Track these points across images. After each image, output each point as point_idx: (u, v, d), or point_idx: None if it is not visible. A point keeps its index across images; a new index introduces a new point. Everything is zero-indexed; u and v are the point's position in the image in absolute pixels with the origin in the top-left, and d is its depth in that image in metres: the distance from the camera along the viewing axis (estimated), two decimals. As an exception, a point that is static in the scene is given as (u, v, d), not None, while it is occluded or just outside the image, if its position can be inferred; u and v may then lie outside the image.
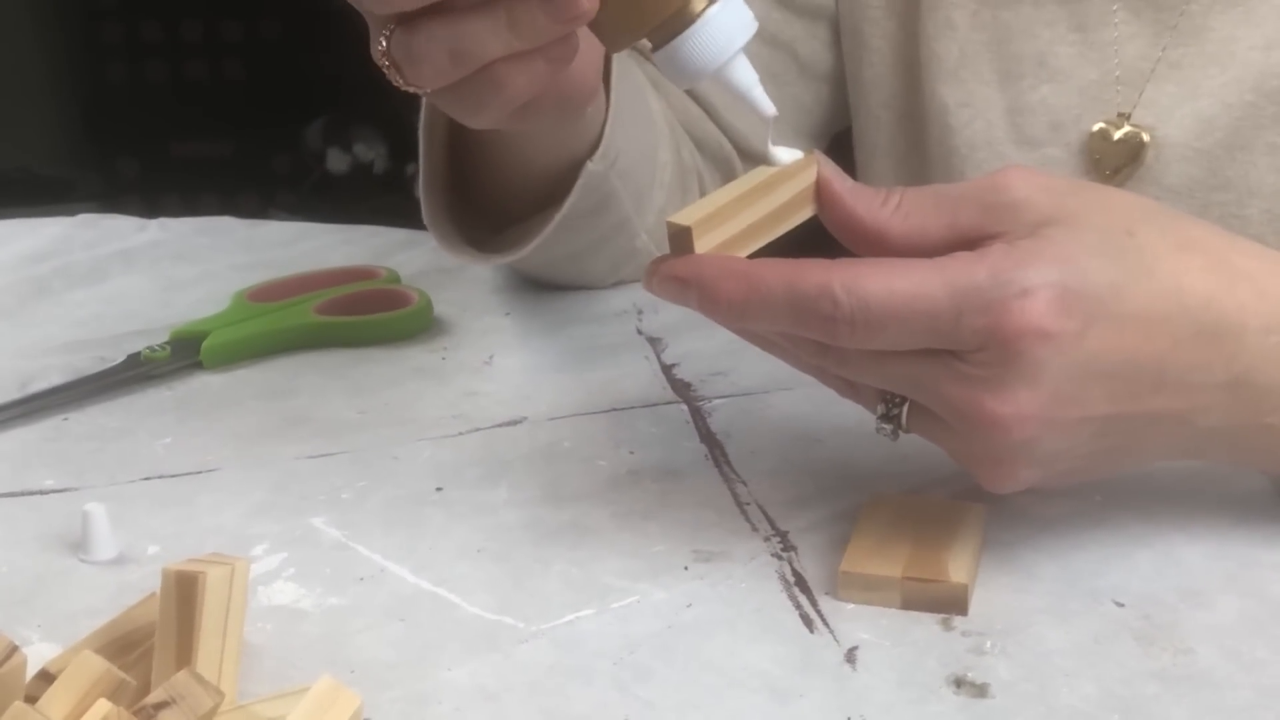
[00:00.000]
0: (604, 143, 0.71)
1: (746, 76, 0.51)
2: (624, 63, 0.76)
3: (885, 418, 0.53)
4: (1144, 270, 0.50)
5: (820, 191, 0.52)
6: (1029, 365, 0.48)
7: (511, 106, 0.54)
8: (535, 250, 0.71)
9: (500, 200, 0.73)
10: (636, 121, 0.77)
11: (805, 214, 0.52)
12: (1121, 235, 0.51)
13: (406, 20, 0.51)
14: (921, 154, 0.80)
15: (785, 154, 0.52)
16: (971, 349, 0.49)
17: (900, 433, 0.53)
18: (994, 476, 0.52)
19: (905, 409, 0.52)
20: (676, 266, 0.50)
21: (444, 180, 0.72)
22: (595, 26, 0.50)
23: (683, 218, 0.50)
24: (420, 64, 0.51)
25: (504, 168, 0.72)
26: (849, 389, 0.54)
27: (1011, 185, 0.51)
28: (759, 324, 0.51)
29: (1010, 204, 0.50)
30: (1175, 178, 0.73)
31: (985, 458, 0.51)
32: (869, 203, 0.51)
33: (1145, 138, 0.73)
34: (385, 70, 0.53)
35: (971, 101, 0.77)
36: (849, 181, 0.52)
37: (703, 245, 0.50)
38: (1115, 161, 0.73)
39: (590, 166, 0.70)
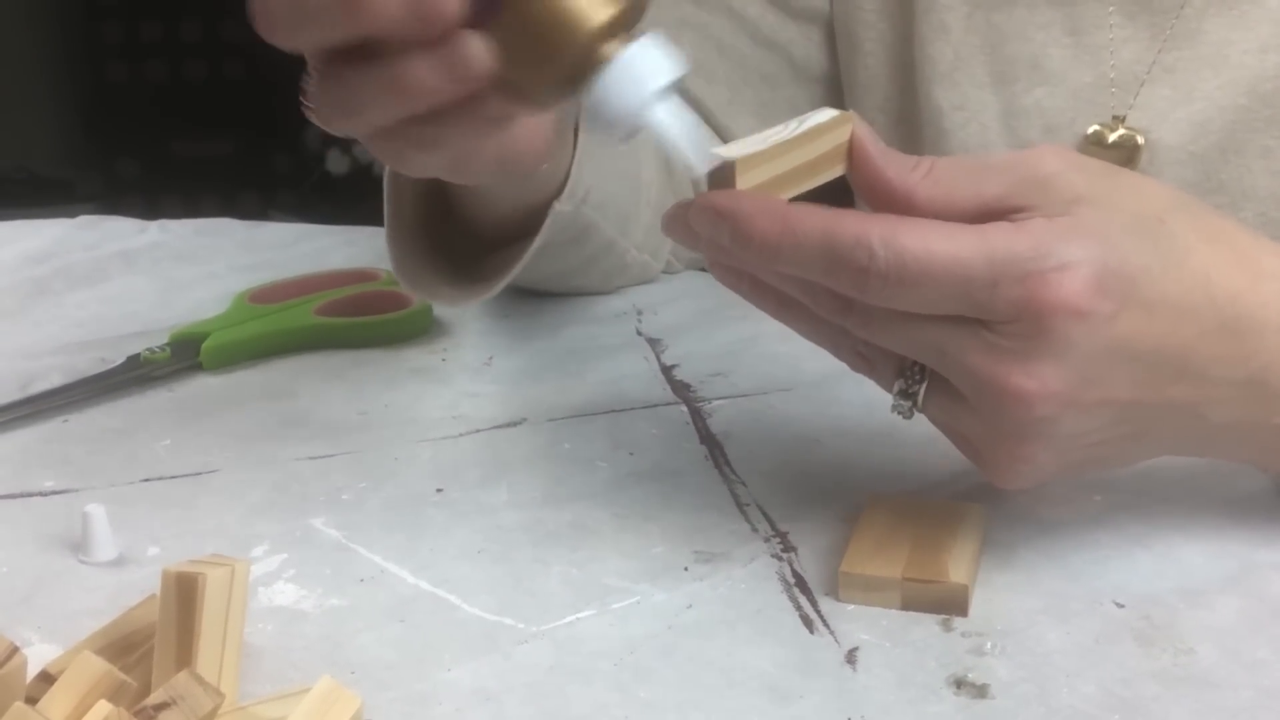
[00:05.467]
0: (570, 184, 0.69)
1: (672, 125, 0.47)
2: None
3: (903, 394, 0.52)
4: (1176, 258, 0.50)
5: (853, 150, 0.51)
6: (1059, 341, 0.48)
7: (438, 165, 0.52)
8: (521, 274, 0.70)
9: (476, 229, 0.72)
10: (614, 155, 0.76)
11: (835, 171, 0.51)
12: (1155, 221, 0.50)
13: (317, 68, 0.49)
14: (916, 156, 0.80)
15: (824, 113, 0.51)
16: (1003, 319, 0.48)
17: (915, 411, 0.52)
18: (1007, 460, 0.51)
19: (923, 387, 0.51)
20: (717, 198, 0.49)
21: (417, 212, 0.70)
22: (506, 88, 0.47)
23: (728, 151, 0.49)
24: (331, 111, 0.50)
25: (471, 206, 0.71)
26: (863, 362, 0.53)
27: (1044, 161, 0.50)
28: (788, 266, 0.49)
29: (1041, 179, 0.49)
30: (1169, 181, 0.72)
31: (1002, 436, 0.50)
32: (899, 166, 0.50)
33: (1140, 140, 0.73)
34: (308, 113, 0.51)
35: (966, 104, 0.77)
36: (882, 144, 0.51)
37: (744, 183, 0.49)
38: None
39: (557, 207, 0.69)
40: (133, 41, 2.87)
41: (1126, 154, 0.73)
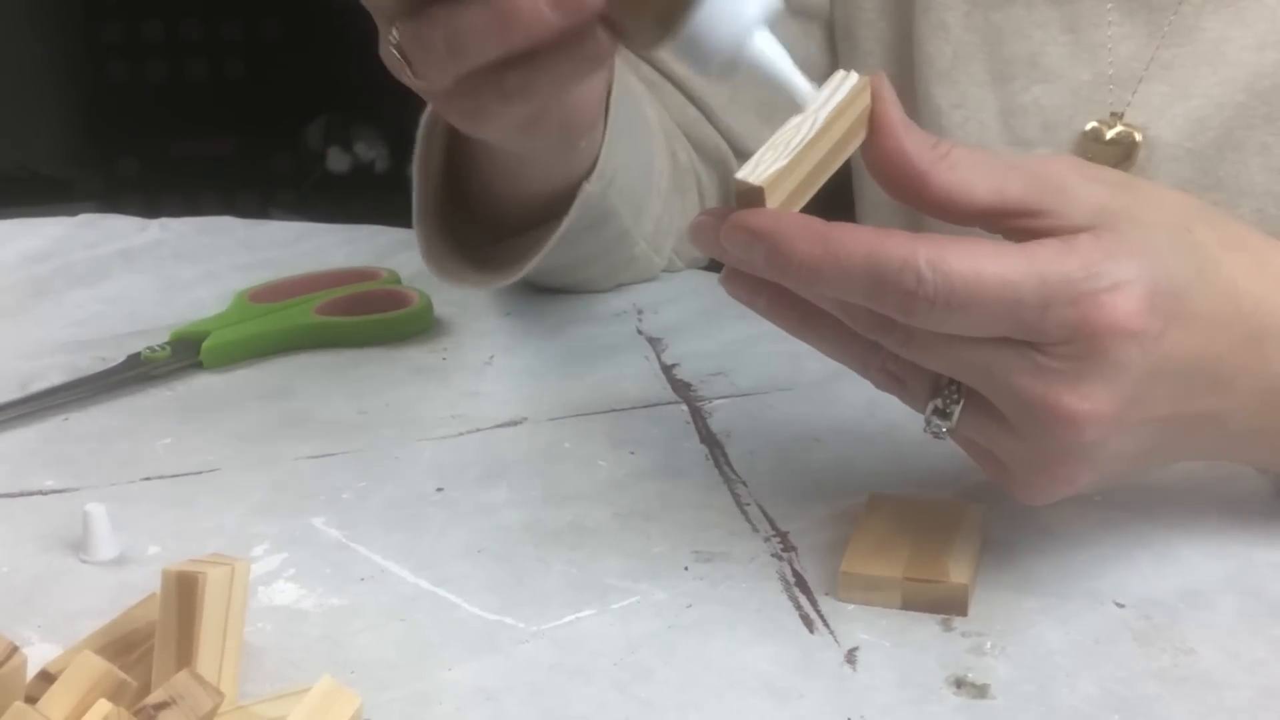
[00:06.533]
0: (600, 163, 0.70)
1: (770, 56, 0.48)
2: (622, 77, 0.76)
3: (939, 413, 0.50)
4: (1209, 271, 0.49)
5: (875, 118, 0.49)
6: (1111, 362, 0.46)
7: (513, 120, 0.52)
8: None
9: (496, 214, 0.73)
10: (634, 137, 0.77)
11: (856, 144, 0.49)
12: (1183, 232, 0.49)
13: (413, 11, 0.49)
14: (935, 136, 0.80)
15: (845, 79, 0.49)
16: (1053, 341, 0.46)
17: (950, 432, 0.50)
18: (1046, 481, 0.50)
19: (959, 407, 0.50)
20: (751, 218, 0.47)
21: (438, 196, 0.71)
22: (609, 23, 0.48)
23: (753, 176, 0.47)
24: (427, 55, 0.49)
25: (500, 185, 0.71)
26: (892, 381, 0.51)
27: (1062, 172, 0.49)
28: (830, 288, 0.47)
29: (1061, 188, 0.48)
30: (1167, 177, 0.73)
31: (1045, 458, 0.49)
32: (919, 142, 0.48)
33: (1137, 137, 0.73)
34: (396, 68, 0.51)
35: (965, 103, 0.77)
36: (903, 113, 0.49)
37: (774, 202, 0.47)
38: (1107, 161, 0.73)
39: (588, 188, 0.70)
40: (133, 40, 2.88)
41: (1124, 151, 0.73)
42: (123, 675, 0.43)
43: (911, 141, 0.48)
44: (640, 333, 0.78)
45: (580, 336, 0.78)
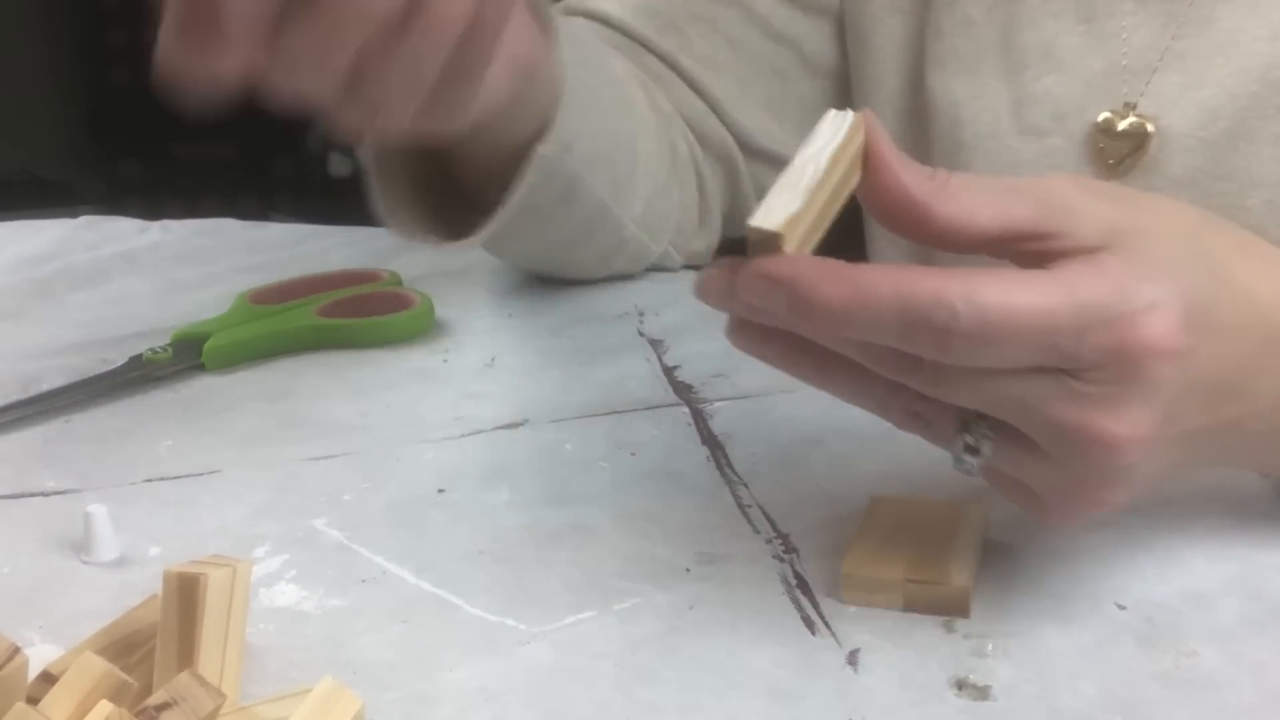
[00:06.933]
0: (556, 128, 0.71)
1: None
2: (592, 51, 0.76)
3: (970, 450, 0.49)
4: (1225, 278, 0.49)
5: (869, 156, 0.48)
6: (1149, 384, 0.46)
7: (404, 114, 0.54)
8: (519, 241, 0.71)
9: (479, 186, 0.73)
10: (604, 109, 0.77)
11: (855, 183, 0.48)
12: (1193, 241, 0.49)
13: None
14: (924, 149, 0.80)
15: (838, 119, 0.48)
16: (1090, 367, 0.45)
17: (980, 469, 0.49)
18: (1084, 505, 0.49)
19: (990, 443, 0.48)
20: (770, 265, 0.45)
21: (410, 169, 0.72)
22: None
23: (767, 222, 0.46)
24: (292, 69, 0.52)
25: (470, 157, 0.72)
26: (916, 421, 0.50)
27: (1065, 192, 0.48)
28: (860, 332, 0.46)
29: (1069, 209, 0.47)
30: (1179, 168, 0.73)
31: (1083, 484, 0.48)
32: (916, 175, 0.48)
33: (1150, 128, 0.73)
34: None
35: (981, 94, 0.77)
36: (896, 149, 0.48)
37: (791, 246, 0.46)
38: (1119, 152, 0.74)
39: (540, 149, 0.70)
40: (135, 44, 2.88)
41: (1136, 141, 0.73)
42: (124, 676, 0.43)
43: (909, 175, 0.47)
44: (642, 334, 0.78)
45: (582, 338, 0.78)
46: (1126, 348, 0.45)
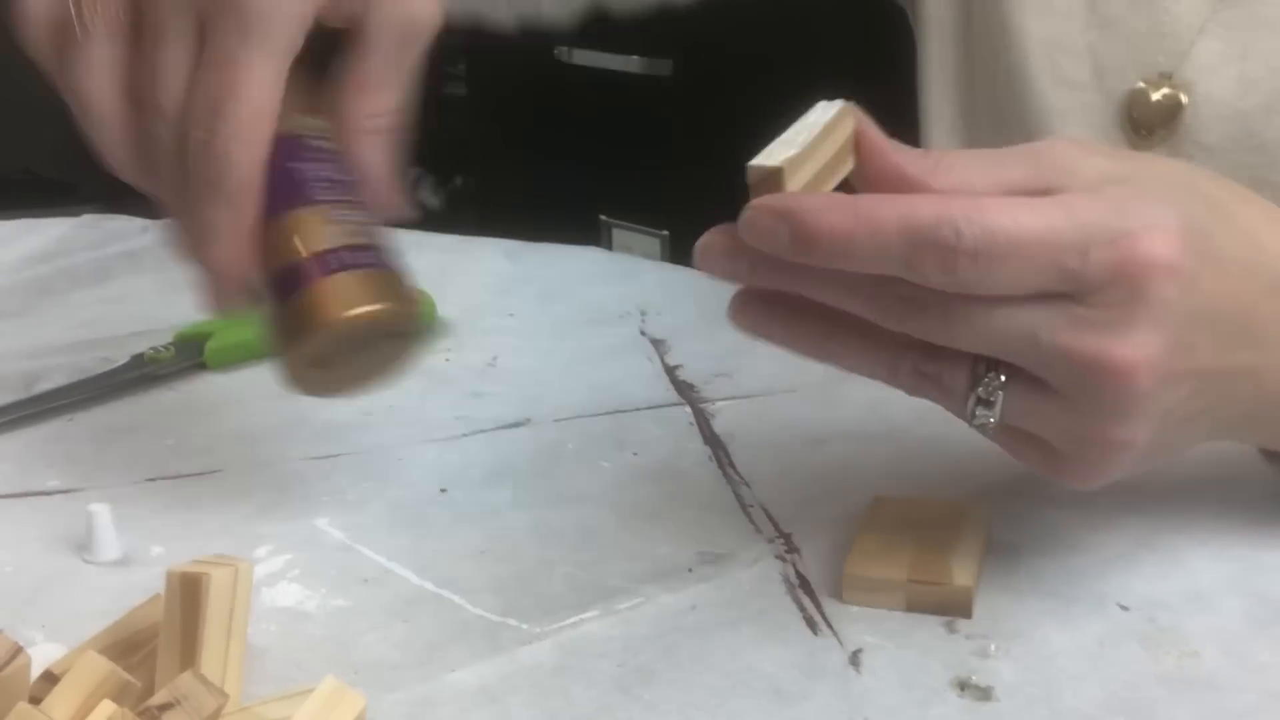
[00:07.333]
0: None
1: None
2: None
3: (982, 403, 0.48)
4: (1226, 217, 0.49)
5: (861, 143, 0.48)
6: (1156, 304, 0.46)
7: None
8: None
9: None
10: None
11: (847, 168, 0.49)
12: (1192, 188, 0.50)
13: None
14: (980, 74, 0.80)
15: (827, 108, 0.48)
16: (1096, 287, 0.45)
17: (996, 421, 0.49)
18: (1103, 450, 0.48)
19: (1003, 392, 0.48)
20: (773, 200, 0.46)
21: None
22: None
23: (769, 160, 0.46)
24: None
25: None
26: (926, 382, 0.49)
27: (1061, 151, 0.49)
28: (863, 261, 0.46)
29: (1066, 167, 0.48)
30: (1213, 136, 0.72)
31: (1099, 421, 0.48)
32: (909, 155, 0.48)
33: (1183, 99, 0.73)
34: None
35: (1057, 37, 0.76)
36: (885, 136, 0.49)
37: (792, 187, 0.46)
38: (1153, 120, 0.74)
39: None
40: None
41: (1169, 111, 0.73)
42: (127, 676, 0.43)
43: (902, 156, 0.48)
44: (643, 334, 0.78)
45: (583, 338, 0.78)
46: (1130, 263, 0.45)
